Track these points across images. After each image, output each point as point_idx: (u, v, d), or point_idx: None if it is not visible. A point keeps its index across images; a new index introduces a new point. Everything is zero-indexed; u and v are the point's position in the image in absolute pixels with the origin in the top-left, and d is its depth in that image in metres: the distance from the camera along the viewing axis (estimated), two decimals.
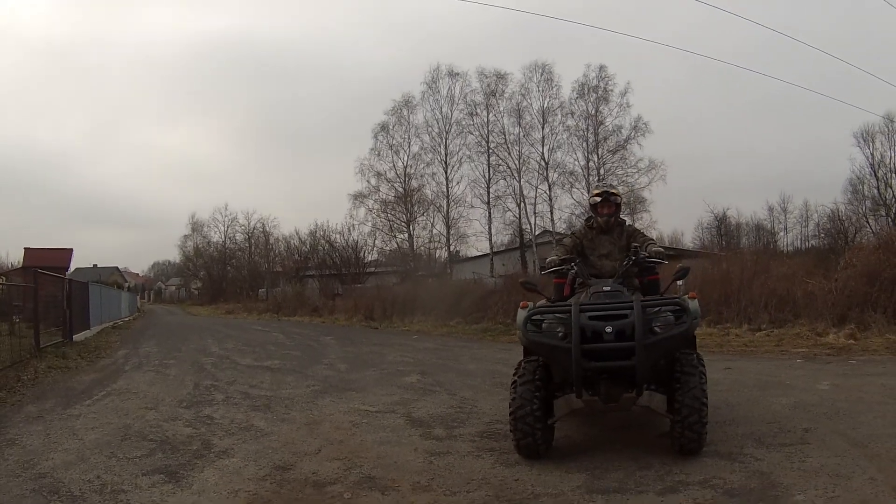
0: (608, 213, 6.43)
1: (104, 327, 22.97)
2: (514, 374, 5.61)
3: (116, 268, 71.55)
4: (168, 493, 4.74)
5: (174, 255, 76.47)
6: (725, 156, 67.20)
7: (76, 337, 17.32)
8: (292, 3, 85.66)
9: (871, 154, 41.92)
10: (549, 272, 6.37)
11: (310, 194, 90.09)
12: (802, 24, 60.52)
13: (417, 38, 74.60)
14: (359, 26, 79.70)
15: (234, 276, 61.59)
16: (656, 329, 5.34)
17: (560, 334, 5.37)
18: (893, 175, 41.48)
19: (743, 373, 9.55)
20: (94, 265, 67.29)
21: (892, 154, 41.46)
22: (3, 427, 7.06)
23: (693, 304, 5.64)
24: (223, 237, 62.95)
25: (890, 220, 39.44)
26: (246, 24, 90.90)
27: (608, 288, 5.76)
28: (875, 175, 41.85)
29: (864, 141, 41.81)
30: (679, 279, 6.34)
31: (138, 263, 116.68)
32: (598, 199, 6.51)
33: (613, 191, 6.63)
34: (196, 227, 62.96)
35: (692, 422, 5.18)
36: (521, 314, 5.70)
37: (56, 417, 7.65)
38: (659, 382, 5.46)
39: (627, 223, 6.69)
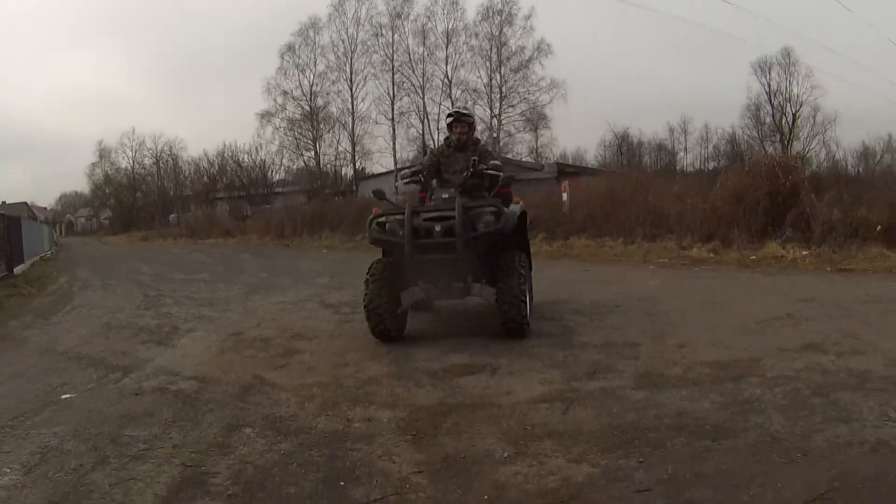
0: (461, 131, 7.12)
1: (34, 261, 23.85)
2: (367, 274, 6.51)
3: (25, 203, 68.03)
4: (161, 352, 6.74)
5: (81, 186, 73.95)
6: (629, 78, 69.24)
7: (15, 270, 18.19)
8: None
9: (768, 83, 45.32)
10: (403, 183, 7.47)
11: (216, 116, 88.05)
12: None
13: None
14: None
15: (145, 203, 60.82)
16: (479, 227, 6.14)
17: (400, 233, 6.22)
18: (788, 104, 44.98)
19: (597, 274, 11.68)
20: (3, 202, 65.49)
21: (787, 85, 44.81)
22: (5, 333, 8.60)
23: (514, 208, 6.57)
24: (132, 163, 61.89)
25: (783, 144, 43.19)
26: None
27: (446, 196, 6.51)
28: (770, 103, 45.32)
29: (762, 71, 45.10)
30: (504, 187, 7.09)
31: (44, 197, 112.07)
32: (451, 118, 7.26)
33: (465, 111, 7.46)
34: (104, 153, 61.27)
35: (513, 314, 6.13)
36: (370, 218, 6.68)
37: (43, 324, 9.19)
38: (488, 278, 6.37)
39: (482, 143, 7.48)
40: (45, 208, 78.81)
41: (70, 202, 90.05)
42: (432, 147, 38.30)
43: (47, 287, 15.14)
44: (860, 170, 38.26)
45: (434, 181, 7.06)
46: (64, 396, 5.17)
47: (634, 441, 3.65)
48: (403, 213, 6.24)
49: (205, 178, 54.37)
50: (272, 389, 5.06)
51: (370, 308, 6.30)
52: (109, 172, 61.95)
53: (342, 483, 3.34)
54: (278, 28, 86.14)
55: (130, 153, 61.14)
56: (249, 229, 32.89)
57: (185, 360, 6.31)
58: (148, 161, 61.39)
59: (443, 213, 6.19)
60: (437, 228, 6.11)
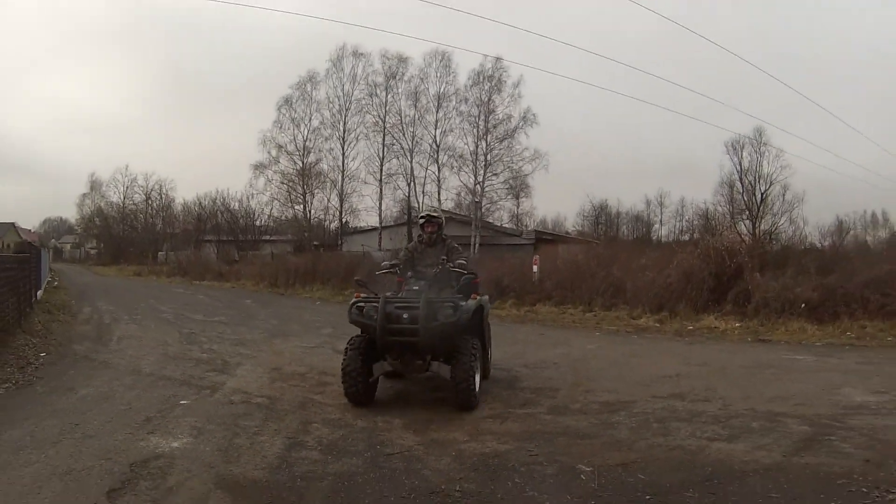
0: (431, 230, 8.20)
1: (45, 288, 25.28)
2: (346, 345, 7.48)
3: (13, 224, 69.32)
4: (227, 378, 9.08)
5: (67, 213, 75.03)
6: (610, 149, 75.03)
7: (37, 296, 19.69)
8: None
9: (740, 163, 48.89)
10: (381, 273, 8.30)
11: (210, 160, 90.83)
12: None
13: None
14: None
15: (134, 238, 62.58)
16: (439, 318, 7.13)
17: (375, 317, 7.12)
18: (759, 182, 48.54)
19: (550, 337, 13.71)
20: None
21: (758, 164, 48.58)
22: (81, 355, 10.71)
23: (471, 303, 7.43)
24: (122, 198, 64.38)
25: (753, 221, 46.16)
26: None
27: (416, 287, 7.61)
28: (741, 182, 48.80)
29: (734, 150, 48.79)
30: (469, 281, 8.06)
31: (27, 219, 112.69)
32: (423, 220, 8.31)
33: (435, 214, 8.41)
34: (95, 185, 64.17)
35: (463, 388, 7.12)
36: (351, 302, 7.57)
37: (106, 351, 11.25)
38: (446, 358, 7.31)
39: (449, 240, 8.39)
40: (31, 230, 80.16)
41: (54, 227, 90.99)
42: (416, 208, 40.96)
43: (77, 316, 17.18)
44: (826, 245, 40.90)
45: (409, 273, 8.15)
46: (182, 402, 7.81)
47: (536, 438, 6.43)
48: (378, 301, 7.28)
49: (194, 219, 56.41)
50: (320, 405, 7.71)
51: (346, 371, 7.36)
52: (101, 205, 64.06)
53: (378, 446, 6.15)
54: (279, 77, 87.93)
55: (122, 188, 63.74)
56: (243, 274, 34.48)
57: (249, 384, 8.80)
58: (138, 197, 63.76)
59: (410, 304, 7.25)
60: (405, 316, 7.16)
